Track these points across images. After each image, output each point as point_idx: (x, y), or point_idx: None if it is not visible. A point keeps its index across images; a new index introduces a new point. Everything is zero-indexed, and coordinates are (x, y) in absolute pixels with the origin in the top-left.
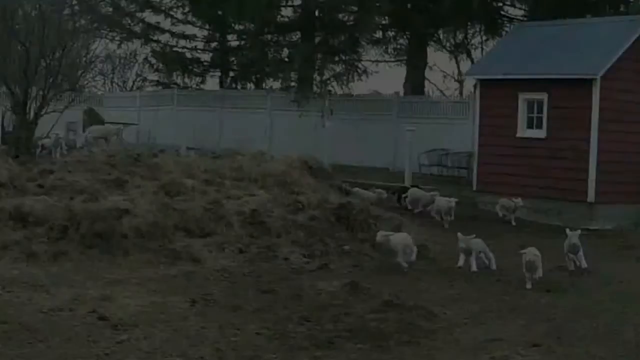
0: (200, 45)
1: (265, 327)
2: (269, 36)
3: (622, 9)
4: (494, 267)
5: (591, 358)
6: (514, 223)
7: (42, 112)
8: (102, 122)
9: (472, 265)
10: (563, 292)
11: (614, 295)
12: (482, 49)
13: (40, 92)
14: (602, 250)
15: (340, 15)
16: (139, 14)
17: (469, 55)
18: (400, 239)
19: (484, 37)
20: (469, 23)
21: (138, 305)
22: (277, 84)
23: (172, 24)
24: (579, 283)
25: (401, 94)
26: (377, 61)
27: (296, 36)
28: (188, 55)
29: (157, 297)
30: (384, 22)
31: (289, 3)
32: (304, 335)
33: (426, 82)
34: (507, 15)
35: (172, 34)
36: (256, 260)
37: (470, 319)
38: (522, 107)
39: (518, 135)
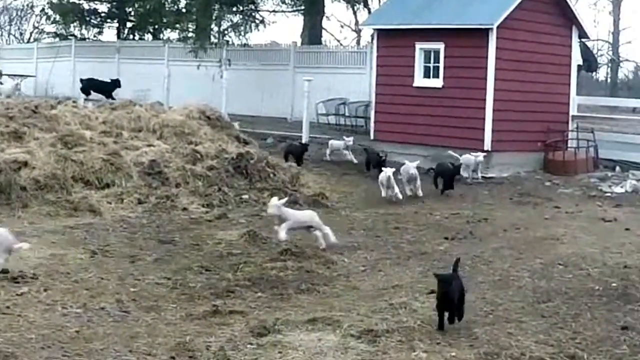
0: None
1: (165, 277)
2: None
3: None
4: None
5: (488, 304)
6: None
7: None
8: None
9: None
10: (460, 240)
11: (510, 242)
12: None
13: None
14: (499, 198)
15: None
16: None
17: (366, 5)
18: None
19: None
20: None
21: (38, 257)
22: (174, 35)
23: None
24: (477, 230)
25: (299, 44)
26: (274, 11)
27: None
28: (85, 6)
29: (56, 249)
30: None
31: None
32: (203, 284)
33: (324, 32)
34: None
35: None
36: (155, 211)
37: (369, 267)
38: (418, 57)
39: (415, 84)
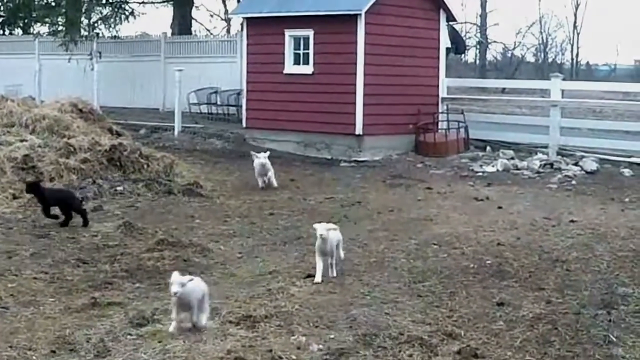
0: None
1: (43, 272)
2: None
3: None
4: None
5: (364, 286)
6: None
7: None
8: None
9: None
10: (335, 223)
11: (384, 224)
12: None
13: None
14: (372, 181)
15: None
16: None
17: None
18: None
19: None
20: None
21: None
22: (45, 29)
23: None
24: (351, 214)
25: (169, 34)
26: (143, 2)
27: None
28: None
29: None
30: None
31: None
32: (81, 277)
33: (194, 22)
34: None
35: None
36: (30, 205)
37: (245, 254)
38: (288, 44)
39: (285, 71)
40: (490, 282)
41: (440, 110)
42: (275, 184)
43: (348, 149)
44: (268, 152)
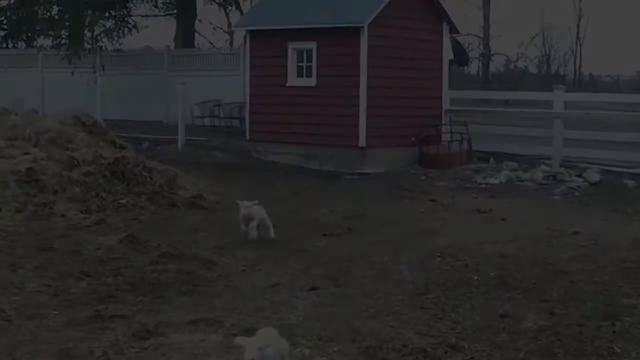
0: None
1: (46, 285)
2: None
3: None
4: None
5: (368, 297)
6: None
7: None
8: None
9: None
10: (338, 236)
11: (388, 236)
12: (251, 0)
13: None
14: (375, 193)
15: None
16: None
17: (238, 6)
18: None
19: None
20: None
21: None
22: (48, 42)
23: None
24: (354, 226)
25: (172, 47)
26: (147, 16)
27: None
28: None
29: None
30: None
31: None
32: (84, 290)
33: (197, 35)
34: None
35: None
36: (34, 219)
37: (249, 266)
38: (291, 57)
39: (288, 84)
40: (493, 294)
41: (443, 122)
42: (254, 235)
43: (351, 162)
44: (256, 202)
